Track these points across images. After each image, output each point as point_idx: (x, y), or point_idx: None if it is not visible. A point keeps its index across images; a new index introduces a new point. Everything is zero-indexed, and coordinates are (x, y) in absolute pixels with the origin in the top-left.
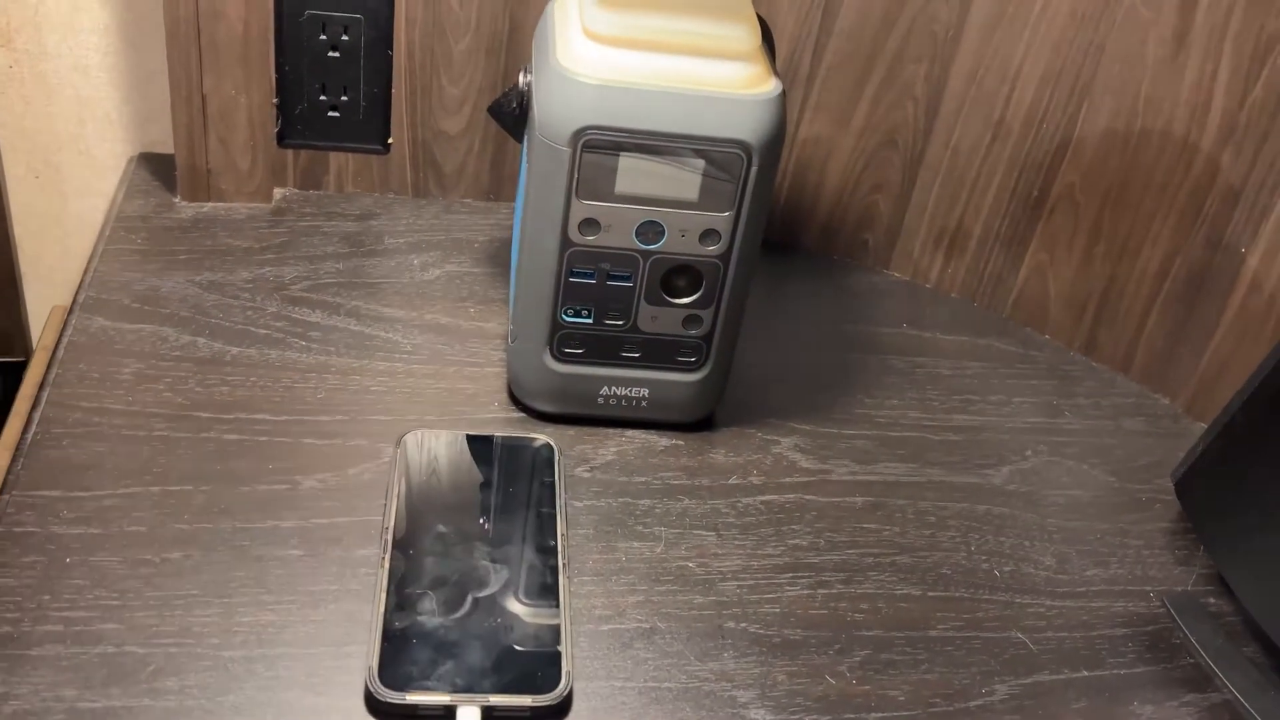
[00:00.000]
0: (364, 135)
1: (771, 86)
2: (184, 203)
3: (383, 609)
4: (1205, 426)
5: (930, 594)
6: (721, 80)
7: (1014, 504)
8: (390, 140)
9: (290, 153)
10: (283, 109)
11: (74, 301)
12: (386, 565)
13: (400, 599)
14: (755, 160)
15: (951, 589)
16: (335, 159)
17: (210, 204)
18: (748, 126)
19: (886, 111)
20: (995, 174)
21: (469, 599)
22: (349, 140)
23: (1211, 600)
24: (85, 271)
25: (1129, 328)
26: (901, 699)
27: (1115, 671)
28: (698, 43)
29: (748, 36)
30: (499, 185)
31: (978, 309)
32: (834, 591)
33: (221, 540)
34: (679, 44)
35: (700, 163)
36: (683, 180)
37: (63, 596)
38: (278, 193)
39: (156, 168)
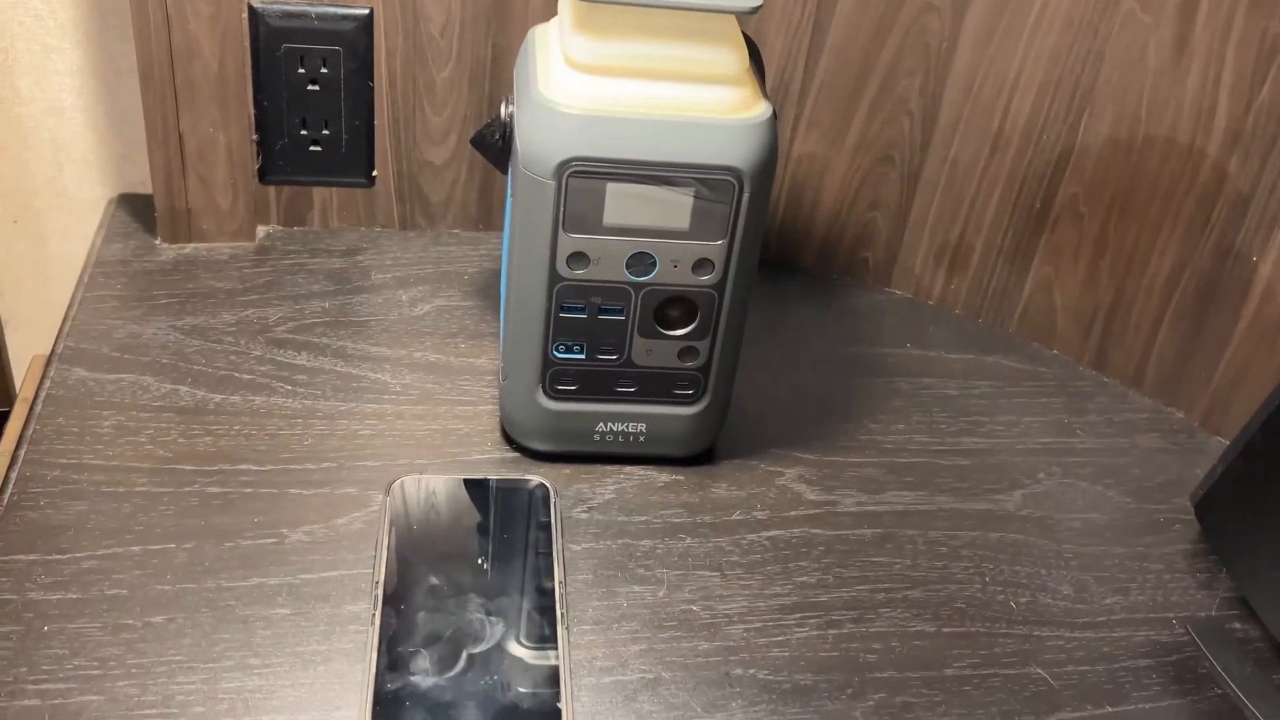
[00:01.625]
0: (347, 169)
1: (761, 110)
2: (165, 245)
3: (374, 669)
4: (1221, 440)
5: (945, 630)
6: (709, 105)
7: (1028, 530)
8: (375, 173)
9: (273, 189)
10: (263, 145)
11: (52, 352)
12: (377, 622)
13: (392, 658)
14: (747, 186)
15: (967, 624)
16: (319, 194)
17: (192, 245)
18: (738, 152)
19: (882, 127)
20: (996, 187)
21: (464, 655)
22: (332, 174)
23: (1238, 625)
24: (64, 320)
25: (1139, 340)
26: None
27: (1140, 706)
28: (683, 68)
29: (735, 59)
30: (488, 215)
31: (982, 325)
32: (845, 631)
33: (205, 601)
34: (664, 70)
35: (690, 191)
36: (673, 209)
37: (40, 668)
38: (261, 230)
39: (136, 209)
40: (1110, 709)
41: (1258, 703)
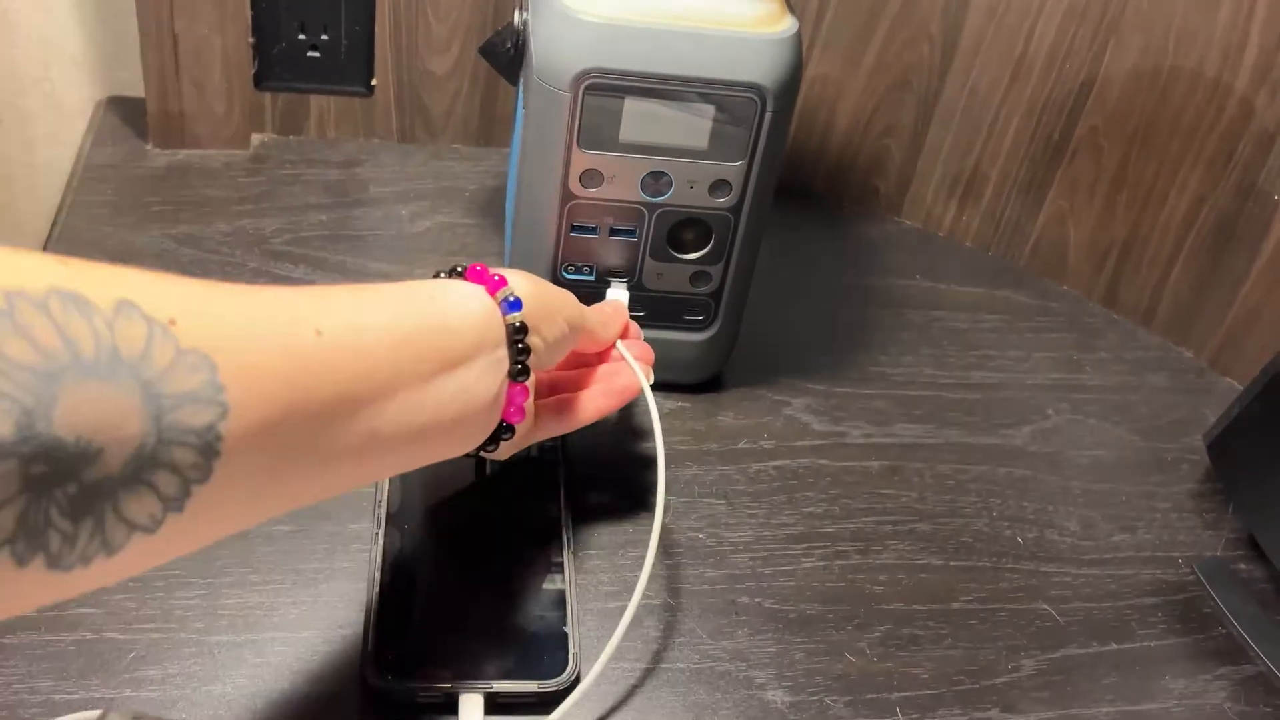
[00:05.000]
0: (346, 76)
1: (787, 25)
2: (156, 150)
3: (377, 589)
4: (1231, 380)
5: (952, 563)
6: (733, 18)
7: (1036, 466)
8: (374, 82)
9: (268, 96)
10: (260, 49)
11: None
12: (380, 542)
13: (395, 578)
14: (770, 105)
15: (974, 558)
16: (316, 102)
17: (184, 151)
18: (762, 68)
19: (900, 50)
20: (1014, 116)
21: (469, 577)
22: (330, 82)
23: (1242, 566)
24: (53, 225)
25: (1152, 278)
26: (925, 677)
27: (1145, 644)
28: None
29: None
30: (490, 130)
31: (993, 258)
32: (851, 563)
33: None
34: None
35: (710, 108)
36: (692, 127)
37: None
38: (256, 138)
39: (126, 112)
40: (1116, 646)
41: (1261, 643)
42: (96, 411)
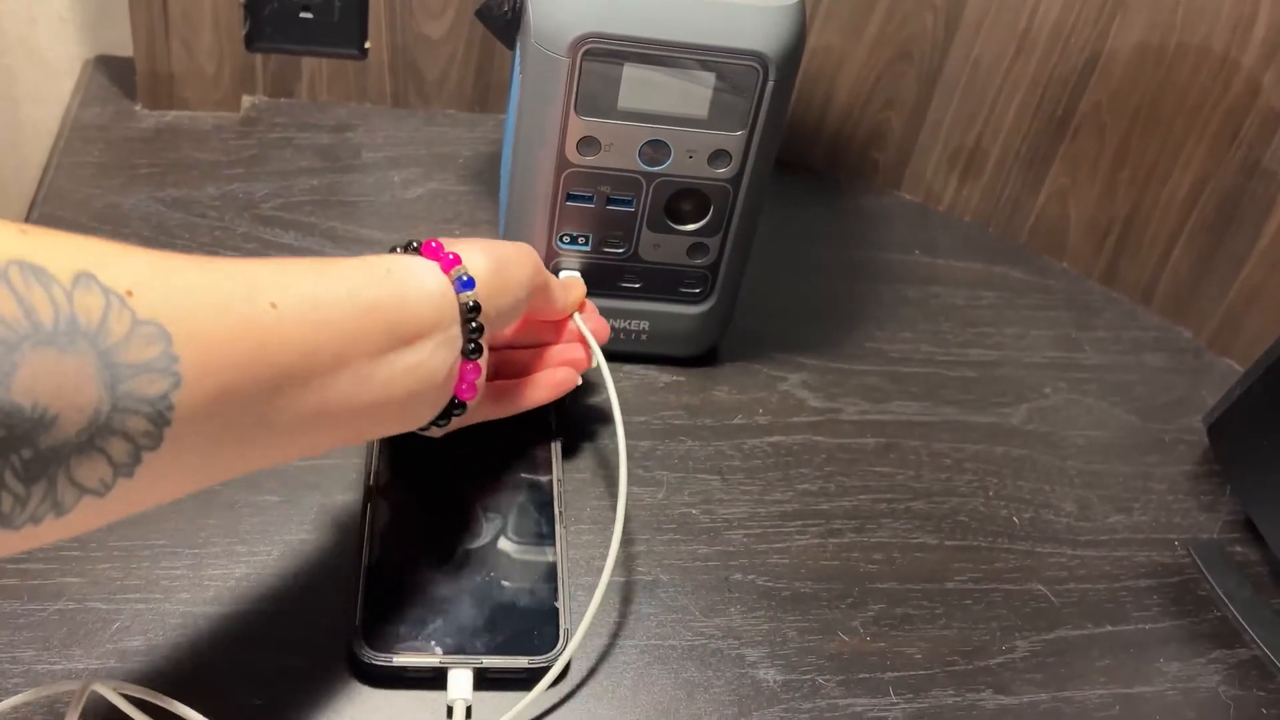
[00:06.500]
0: (339, 38)
1: None
2: (145, 111)
3: (366, 562)
4: (1229, 361)
5: (947, 543)
6: None
7: (1033, 445)
8: (368, 44)
9: (259, 57)
10: (251, 9)
11: (27, 219)
12: (369, 513)
13: (384, 550)
14: (772, 74)
15: (969, 537)
16: (308, 64)
17: (173, 113)
18: (765, 36)
19: (903, 21)
20: (1017, 91)
21: (459, 551)
22: (323, 44)
23: (1238, 549)
24: (39, 186)
25: (1153, 257)
26: (918, 657)
27: (1140, 626)
28: None
29: None
30: (484, 96)
31: (992, 234)
32: (846, 540)
33: None
34: None
35: (711, 76)
36: (692, 96)
37: None
38: (246, 101)
39: (115, 72)
40: (1110, 628)
41: (1256, 627)
42: (54, 379)
